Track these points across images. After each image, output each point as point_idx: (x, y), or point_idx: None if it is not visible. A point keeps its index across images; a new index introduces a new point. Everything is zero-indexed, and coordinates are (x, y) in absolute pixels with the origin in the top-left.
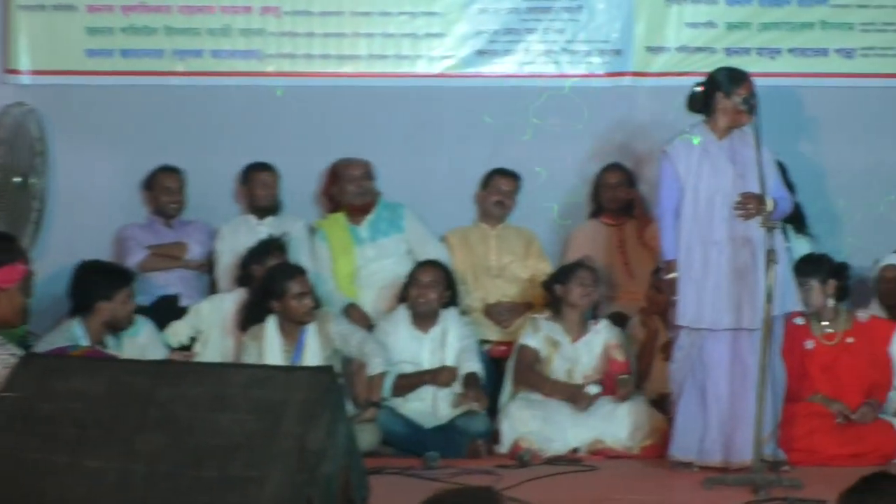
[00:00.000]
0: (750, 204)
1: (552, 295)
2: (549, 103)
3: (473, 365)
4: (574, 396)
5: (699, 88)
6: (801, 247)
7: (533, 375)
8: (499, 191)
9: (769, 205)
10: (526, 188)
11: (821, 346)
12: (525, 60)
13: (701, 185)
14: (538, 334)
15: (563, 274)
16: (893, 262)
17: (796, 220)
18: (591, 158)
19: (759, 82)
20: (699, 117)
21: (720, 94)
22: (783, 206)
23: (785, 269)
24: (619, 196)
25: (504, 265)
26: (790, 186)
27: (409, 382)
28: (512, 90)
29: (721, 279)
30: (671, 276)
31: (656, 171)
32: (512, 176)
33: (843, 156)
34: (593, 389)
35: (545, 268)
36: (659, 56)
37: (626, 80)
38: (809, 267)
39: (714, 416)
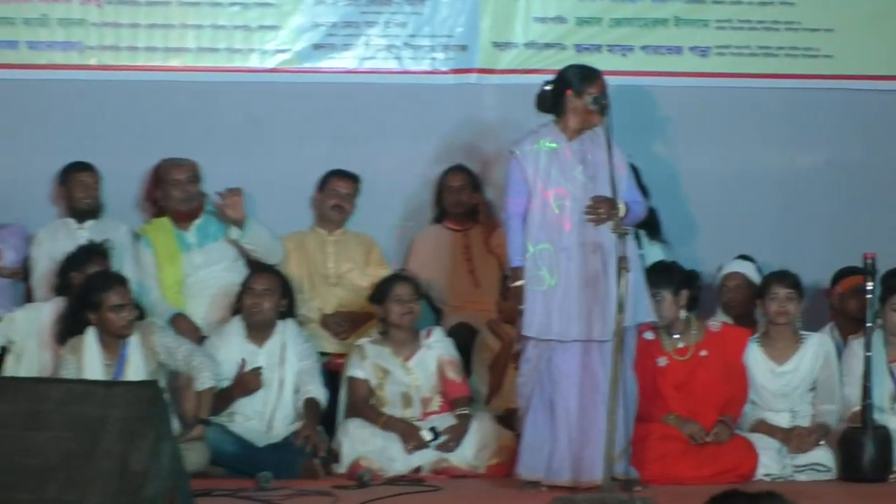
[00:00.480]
0: (601, 208)
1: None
2: (392, 101)
3: (315, 390)
4: (407, 436)
5: (549, 87)
6: (655, 254)
7: (366, 410)
8: (336, 194)
9: (621, 209)
10: (366, 191)
11: (674, 362)
12: (365, 55)
13: (550, 188)
14: (365, 362)
15: (380, 292)
16: (736, 270)
17: (650, 226)
18: (436, 160)
19: (610, 81)
20: (549, 117)
21: (570, 94)
22: (636, 211)
23: (637, 277)
24: (463, 200)
25: (342, 273)
26: (644, 190)
27: (218, 401)
28: (351, 87)
29: (570, 288)
30: (517, 283)
31: (503, 172)
32: (350, 178)
33: (698, 158)
34: (427, 436)
35: (386, 276)
36: (506, 52)
37: (472, 78)
38: (661, 276)
39: (563, 432)
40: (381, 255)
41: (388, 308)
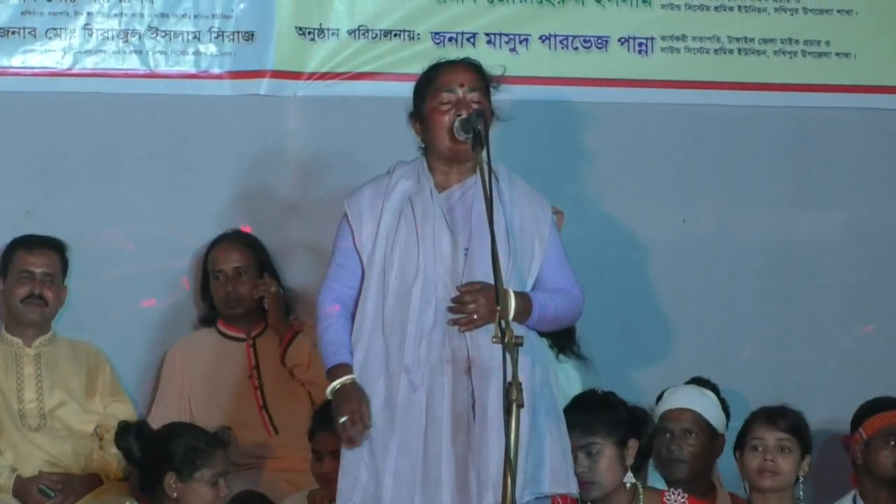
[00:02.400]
0: (475, 302)
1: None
2: (128, 122)
3: None
4: None
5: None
6: (568, 379)
7: None
8: (28, 276)
9: (511, 304)
10: (88, 272)
11: None
12: (82, 48)
13: (394, 266)
14: None
15: (154, 454)
16: (681, 405)
17: (559, 334)
18: (203, 219)
19: (513, 91)
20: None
21: (429, 109)
22: (557, 308)
23: (544, 418)
24: (241, 292)
25: (50, 409)
26: None
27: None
28: (59, 99)
29: (413, 434)
30: (339, 383)
31: (315, 240)
32: (49, 247)
33: (635, 219)
34: None
35: (124, 413)
36: (320, 44)
37: (263, 85)
38: (593, 417)
39: None
40: (115, 377)
41: (187, 491)
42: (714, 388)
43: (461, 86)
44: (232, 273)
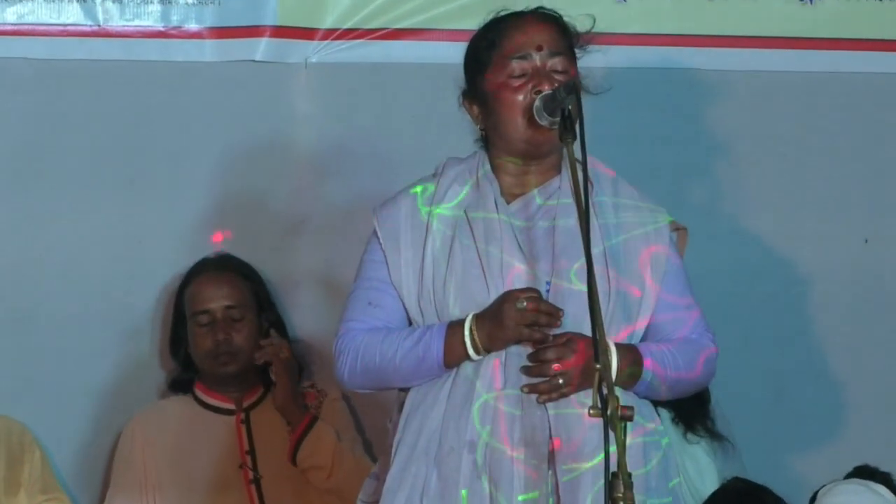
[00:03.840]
0: (561, 361)
1: None
2: (76, 96)
3: None
4: None
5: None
6: (698, 468)
7: None
8: None
9: (613, 362)
10: (17, 316)
11: None
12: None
13: (448, 308)
14: None
15: None
16: None
17: (686, 403)
18: (178, 240)
19: (586, 59)
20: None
21: (494, 84)
22: (675, 366)
23: None
24: (237, 342)
25: None
26: None
27: None
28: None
29: None
30: (472, 313)
31: (345, 262)
32: None
33: (796, 233)
34: None
35: None
36: None
37: (260, 48)
38: None
39: None
40: (48, 466)
41: None
42: (886, 480)
43: (538, 49)
44: (223, 315)
